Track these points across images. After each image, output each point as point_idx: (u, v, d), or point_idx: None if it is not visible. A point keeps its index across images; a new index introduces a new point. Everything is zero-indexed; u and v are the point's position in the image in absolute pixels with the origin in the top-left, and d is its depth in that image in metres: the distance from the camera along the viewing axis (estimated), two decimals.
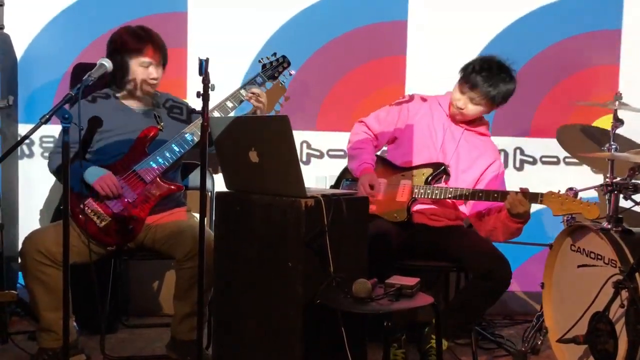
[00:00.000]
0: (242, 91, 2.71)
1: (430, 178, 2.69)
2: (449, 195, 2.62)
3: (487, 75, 2.62)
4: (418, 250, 2.69)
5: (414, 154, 2.76)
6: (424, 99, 2.84)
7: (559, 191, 2.50)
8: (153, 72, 2.62)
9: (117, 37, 2.62)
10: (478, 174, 2.73)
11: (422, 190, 2.67)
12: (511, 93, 2.68)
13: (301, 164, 3.33)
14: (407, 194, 2.69)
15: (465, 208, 2.77)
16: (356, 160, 2.77)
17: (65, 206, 2.00)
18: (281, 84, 2.84)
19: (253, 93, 2.64)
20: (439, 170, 2.71)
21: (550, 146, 3.49)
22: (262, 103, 2.63)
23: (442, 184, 2.70)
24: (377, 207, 2.68)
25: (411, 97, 2.85)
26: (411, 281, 2.04)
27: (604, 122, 3.39)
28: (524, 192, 2.47)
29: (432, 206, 2.72)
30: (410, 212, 2.70)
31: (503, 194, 2.53)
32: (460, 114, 2.72)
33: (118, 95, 2.69)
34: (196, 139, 2.59)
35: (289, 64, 2.84)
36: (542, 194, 2.48)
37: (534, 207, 3.29)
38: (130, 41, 2.58)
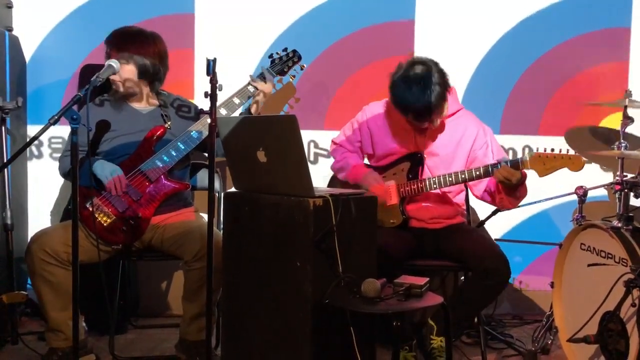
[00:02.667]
0: (249, 87, 2.72)
1: (410, 173, 2.66)
2: (435, 186, 2.58)
3: (419, 95, 2.47)
4: (423, 253, 2.68)
5: (391, 157, 2.72)
6: (379, 105, 2.78)
7: (537, 149, 2.45)
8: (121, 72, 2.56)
9: (121, 40, 2.61)
10: (465, 157, 2.67)
11: (407, 188, 2.64)
12: (441, 81, 2.52)
13: (309, 164, 3.35)
14: (395, 195, 2.65)
15: (474, 191, 2.72)
16: (345, 169, 2.76)
17: (74, 207, 2.01)
18: (291, 79, 2.83)
19: (255, 86, 2.65)
20: (416, 161, 2.66)
21: (559, 144, 3.44)
22: (261, 95, 2.65)
23: (428, 173, 2.65)
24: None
25: (367, 109, 2.80)
26: (420, 280, 2.04)
27: (613, 121, 3.37)
28: (503, 166, 2.42)
29: (427, 204, 2.68)
30: (405, 213, 2.67)
31: (485, 170, 2.48)
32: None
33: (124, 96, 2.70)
34: (202, 137, 2.59)
35: (299, 58, 2.81)
36: (522, 159, 2.44)
37: (543, 206, 3.31)
38: (134, 44, 2.58)
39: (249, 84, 2.71)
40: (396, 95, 2.54)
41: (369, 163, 2.86)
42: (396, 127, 2.71)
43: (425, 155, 2.67)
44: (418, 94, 2.46)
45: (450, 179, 2.56)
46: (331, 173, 2.94)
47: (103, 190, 2.51)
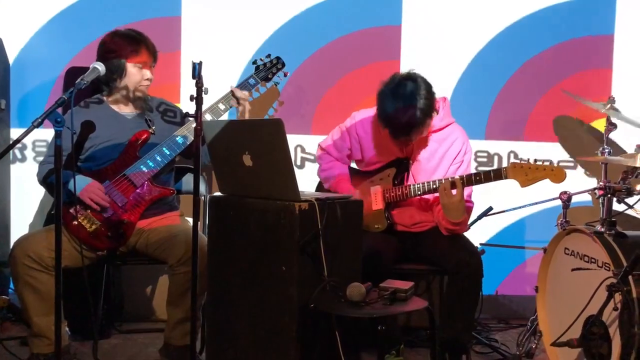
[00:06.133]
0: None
1: (396, 179, 2.67)
2: (419, 192, 2.59)
3: (399, 113, 2.46)
4: (407, 257, 2.68)
5: (379, 163, 2.73)
6: (368, 112, 2.78)
7: (521, 160, 2.46)
8: (147, 73, 2.62)
9: (109, 39, 2.61)
10: (446, 170, 2.67)
11: (392, 193, 2.65)
12: (427, 97, 2.51)
13: (296, 168, 3.34)
14: (380, 200, 2.66)
15: None
16: (330, 179, 2.77)
17: (57, 211, 1.99)
18: (275, 85, 2.84)
19: (236, 98, 2.64)
20: (402, 167, 2.67)
21: (544, 150, 3.50)
22: (244, 106, 2.65)
23: (412, 180, 2.67)
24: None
25: (356, 115, 2.80)
26: (405, 285, 2.04)
27: (597, 126, 3.40)
28: (454, 180, 2.43)
29: (411, 209, 2.69)
30: (390, 218, 2.68)
31: (468, 179, 2.48)
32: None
33: (109, 100, 2.68)
34: (187, 142, 2.58)
35: (283, 65, 2.83)
36: (505, 168, 2.45)
37: (528, 211, 3.33)
38: (125, 43, 2.58)
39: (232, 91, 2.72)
40: (378, 107, 2.56)
41: (356, 167, 2.86)
42: (384, 134, 2.71)
43: (411, 162, 2.68)
44: (399, 111, 2.47)
45: (434, 187, 2.55)
46: (318, 178, 2.94)
47: (84, 204, 2.49)
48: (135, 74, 2.60)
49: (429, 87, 2.54)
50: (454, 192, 2.47)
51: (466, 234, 2.92)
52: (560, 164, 3.54)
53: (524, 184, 2.44)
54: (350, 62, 3.41)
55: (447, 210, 2.51)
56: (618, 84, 3.51)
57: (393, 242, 2.65)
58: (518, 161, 2.46)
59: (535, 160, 2.46)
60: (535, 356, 2.81)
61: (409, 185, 2.62)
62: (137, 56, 2.58)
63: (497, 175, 2.46)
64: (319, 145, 2.92)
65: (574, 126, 3.44)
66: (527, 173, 2.42)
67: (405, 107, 2.46)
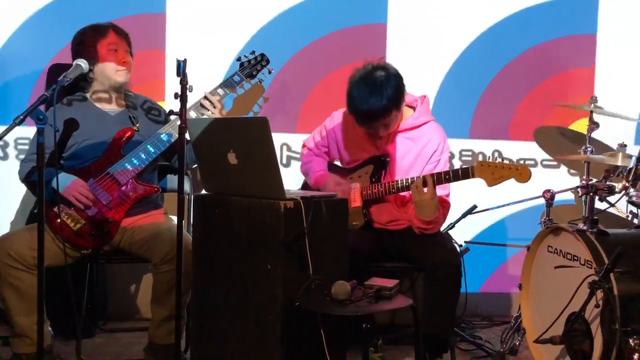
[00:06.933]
0: (220, 90, 2.70)
1: (373, 176, 2.67)
2: (394, 190, 2.59)
3: (372, 96, 2.47)
4: (386, 254, 2.69)
5: (357, 161, 2.73)
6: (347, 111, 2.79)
7: (488, 158, 2.43)
8: (124, 55, 2.60)
9: (76, 33, 2.65)
10: (421, 168, 2.67)
11: (369, 191, 2.65)
12: (396, 88, 2.51)
13: (281, 167, 3.33)
14: (359, 197, 2.66)
15: None
16: (308, 174, 2.78)
17: (40, 209, 1.97)
18: (260, 82, 2.83)
19: (207, 104, 2.63)
20: (379, 164, 2.67)
21: (528, 149, 3.53)
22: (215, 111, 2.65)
23: (389, 178, 2.66)
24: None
25: (335, 114, 2.81)
26: (390, 283, 2.05)
27: (580, 125, 3.44)
28: (426, 177, 2.44)
29: (387, 206, 2.69)
30: (368, 215, 2.68)
31: (438, 177, 2.48)
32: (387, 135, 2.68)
33: (93, 97, 2.66)
34: (172, 140, 2.57)
35: (267, 62, 2.83)
36: (472, 167, 2.44)
37: (511, 209, 3.36)
38: (91, 30, 2.61)
39: (219, 87, 2.71)
40: (347, 92, 2.55)
41: (339, 164, 2.86)
42: (359, 131, 2.71)
43: (388, 159, 2.68)
44: (363, 97, 2.47)
45: (410, 184, 2.54)
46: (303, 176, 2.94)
47: (67, 202, 2.46)
48: (107, 55, 2.58)
49: (399, 79, 2.53)
50: (425, 190, 2.47)
51: (451, 232, 2.94)
52: (544, 162, 3.58)
53: (491, 183, 2.42)
54: (336, 60, 3.41)
55: (419, 208, 2.50)
56: (600, 83, 3.55)
57: (370, 239, 2.66)
58: (486, 159, 2.45)
59: (503, 159, 2.47)
60: (519, 353, 2.84)
61: (386, 183, 2.63)
62: (106, 38, 2.59)
63: (465, 173, 2.45)
64: (303, 142, 2.94)
65: (554, 134, 3.47)
66: (494, 172, 2.41)
67: (370, 94, 2.46)
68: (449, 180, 2.48)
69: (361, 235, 2.62)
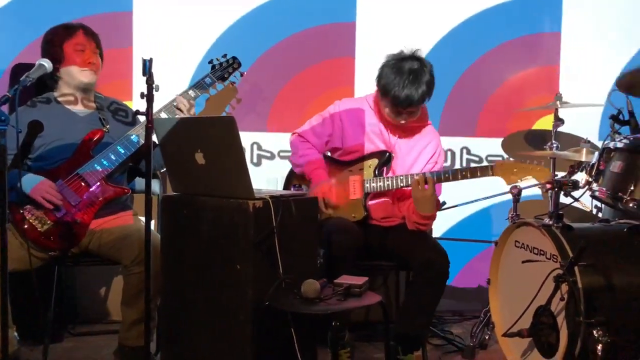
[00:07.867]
0: (191, 92, 2.68)
1: (377, 169, 2.69)
2: (401, 184, 2.63)
3: (411, 83, 2.58)
4: (373, 251, 2.70)
5: (358, 153, 2.74)
6: (352, 101, 2.82)
7: (508, 158, 2.54)
8: (90, 56, 2.58)
9: (47, 32, 2.62)
10: (422, 166, 2.73)
11: (372, 184, 2.67)
12: (429, 82, 2.63)
13: (252, 166, 3.33)
14: (359, 189, 2.67)
15: None
16: (304, 165, 2.74)
17: (2, 212, 1.93)
18: (232, 84, 2.82)
19: (180, 105, 2.61)
20: (384, 159, 2.70)
21: (496, 146, 3.58)
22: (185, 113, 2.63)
23: (392, 173, 2.70)
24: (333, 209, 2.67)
25: (340, 103, 2.81)
26: (359, 280, 2.06)
27: (546, 122, 3.50)
28: (426, 176, 2.52)
29: (385, 198, 2.71)
30: (367, 209, 2.69)
31: (454, 174, 2.57)
32: (400, 126, 2.72)
33: (60, 99, 2.62)
34: (142, 141, 2.54)
35: (239, 65, 2.83)
36: (492, 166, 2.56)
37: (480, 205, 3.40)
38: (60, 29, 2.60)
39: (190, 88, 2.68)
40: (385, 75, 2.61)
41: (330, 155, 2.84)
42: (371, 124, 2.73)
43: (393, 155, 2.71)
44: (405, 84, 2.56)
45: (411, 179, 2.59)
46: (275, 176, 2.92)
47: (35, 203, 2.43)
48: (73, 56, 2.56)
49: (433, 73, 2.65)
50: (427, 187, 2.52)
51: None
52: (511, 159, 3.62)
53: (510, 181, 2.55)
54: (306, 59, 3.42)
55: (420, 204, 2.55)
56: (565, 80, 3.62)
57: (359, 231, 2.64)
58: (505, 159, 2.56)
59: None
60: (489, 347, 2.88)
61: (393, 177, 2.64)
62: (73, 38, 2.57)
63: (484, 171, 2.55)
64: (294, 132, 2.88)
65: (519, 139, 3.54)
66: (514, 173, 2.54)
67: (414, 81, 2.57)
68: (465, 177, 2.57)
69: (354, 227, 2.60)
